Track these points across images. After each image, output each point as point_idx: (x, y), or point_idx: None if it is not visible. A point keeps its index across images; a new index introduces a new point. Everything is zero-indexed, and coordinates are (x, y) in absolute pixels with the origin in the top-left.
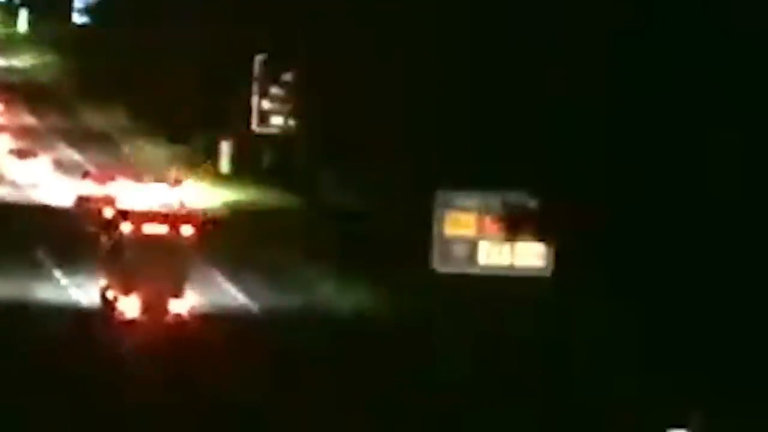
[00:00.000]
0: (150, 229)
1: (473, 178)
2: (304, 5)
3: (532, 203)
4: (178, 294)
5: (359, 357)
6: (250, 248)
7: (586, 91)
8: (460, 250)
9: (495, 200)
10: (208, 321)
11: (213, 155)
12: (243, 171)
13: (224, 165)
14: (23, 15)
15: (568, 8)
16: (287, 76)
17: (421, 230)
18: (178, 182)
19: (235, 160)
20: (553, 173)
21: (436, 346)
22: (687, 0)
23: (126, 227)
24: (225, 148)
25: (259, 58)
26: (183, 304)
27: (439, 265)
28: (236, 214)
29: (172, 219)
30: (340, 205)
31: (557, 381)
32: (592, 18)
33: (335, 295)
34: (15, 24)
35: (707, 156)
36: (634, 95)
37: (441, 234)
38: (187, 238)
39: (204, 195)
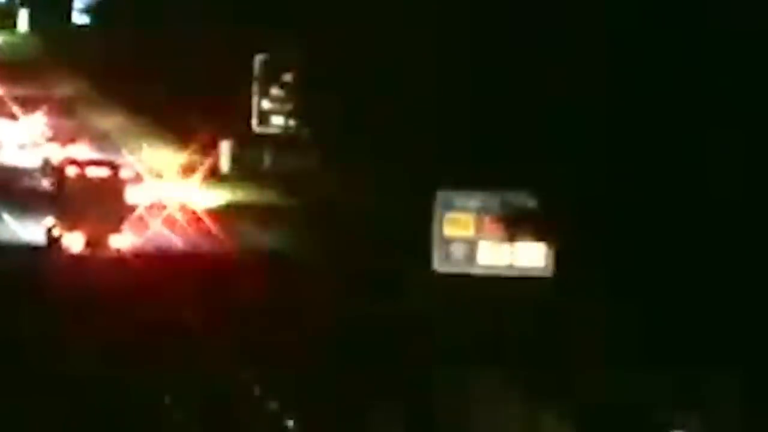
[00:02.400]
0: (93, 172)
1: (473, 178)
2: (304, 5)
3: (532, 203)
4: (117, 230)
5: (358, 357)
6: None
7: (587, 91)
8: (459, 251)
9: (495, 200)
10: (144, 255)
11: (213, 155)
12: (243, 171)
13: (224, 165)
14: (23, 15)
15: (569, 7)
16: (287, 76)
17: (421, 230)
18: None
19: (235, 160)
20: (553, 173)
21: (436, 346)
22: (687, 0)
23: (71, 170)
24: (225, 148)
25: (259, 58)
26: (123, 240)
27: (439, 265)
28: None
29: (113, 163)
30: (340, 204)
31: (557, 381)
32: (591, 18)
33: (333, 294)
34: (15, 24)
35: (707, 156)
36: (635, 95)
37: (441, 234)
38: (125, 181)
39: (203, 195)
